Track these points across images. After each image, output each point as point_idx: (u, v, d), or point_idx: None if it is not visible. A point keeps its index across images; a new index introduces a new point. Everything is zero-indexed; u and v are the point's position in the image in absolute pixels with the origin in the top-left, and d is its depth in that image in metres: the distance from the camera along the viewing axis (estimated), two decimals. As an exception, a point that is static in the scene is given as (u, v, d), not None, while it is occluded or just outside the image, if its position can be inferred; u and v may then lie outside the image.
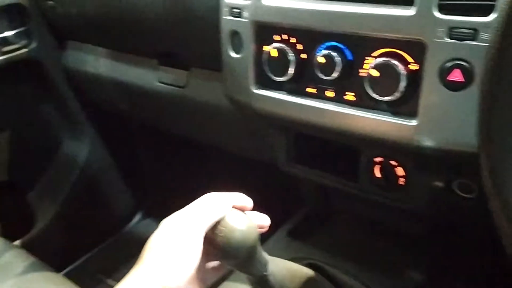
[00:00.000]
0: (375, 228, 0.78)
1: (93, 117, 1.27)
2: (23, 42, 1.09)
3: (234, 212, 0.46)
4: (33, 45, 1.10)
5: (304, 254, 0.76)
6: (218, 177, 1.46)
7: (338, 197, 0.88)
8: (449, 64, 0.49)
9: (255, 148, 0.85)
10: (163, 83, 0.92)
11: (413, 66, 0.53)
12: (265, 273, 0.50)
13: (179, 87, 0.87)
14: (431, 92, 0.52)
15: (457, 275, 0.74)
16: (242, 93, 0.69)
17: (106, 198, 1.42)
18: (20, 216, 1.26)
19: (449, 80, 0.50)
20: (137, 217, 1.51)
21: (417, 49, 0.52)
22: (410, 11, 0.51)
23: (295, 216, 0.86)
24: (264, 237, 0.85)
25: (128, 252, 1.46)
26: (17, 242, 1.20)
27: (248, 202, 0.49)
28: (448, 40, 0.49)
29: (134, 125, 1.35)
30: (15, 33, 1.07)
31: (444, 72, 0.50)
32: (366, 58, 0.57)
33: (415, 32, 0.51)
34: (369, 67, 0.55)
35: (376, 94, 0.55)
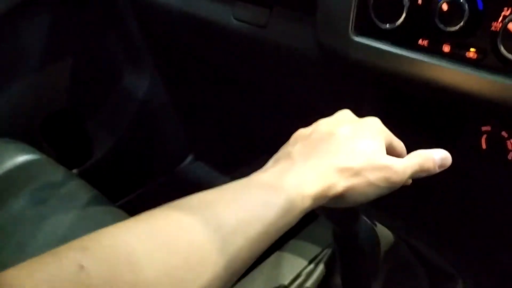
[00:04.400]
0: (461, 205, 0.71)
1: (156, 51, 1.22)
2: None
3: None
4: (102, -31, 1.04)
5: (385, 223, 0.70)
6: (274, 124, 1.41)
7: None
8: None
9: (334, 103, 0.78)
10: (239, 20, 0.85)
11: None
12: (357, 230, 0.48)
13: (259, 26, 0.80)
14: None
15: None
16: (339, 40, 0.61)
17: (161, 135, 1.40)
18: (78, 145, 1.26)
19: None
20: (189, 159, 1.49)
21: None
22: None
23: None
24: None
25: (178, 193, 1.47)
26: (74, 171, 1.20)
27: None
28: None
29: (196, 66, 1.30)
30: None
31: None
32: (501, 8, 0.48)
33: None
34: (506, 20, 0.46)
35: (511, 53, 0.47)
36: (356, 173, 0.39)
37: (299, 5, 0.72)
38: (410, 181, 0.44)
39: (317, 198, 0.38)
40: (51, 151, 1.19)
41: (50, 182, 0.86)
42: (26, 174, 0.88)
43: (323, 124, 0.44)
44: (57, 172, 0.89)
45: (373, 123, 0.44)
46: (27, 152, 0.93)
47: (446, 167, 0.45)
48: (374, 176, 0.39)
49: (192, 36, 1.00)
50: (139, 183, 1.34)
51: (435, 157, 0.44)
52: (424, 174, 0.44)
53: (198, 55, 1.14)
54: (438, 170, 0.44)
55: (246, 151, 1.47)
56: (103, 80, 1.24)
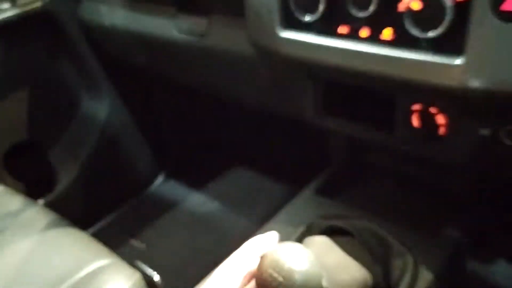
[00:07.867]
0: (409, 184, 0.73)
1: (111, 73, 1.23)
2: (38, -6, 1.05)
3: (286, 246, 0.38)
4: (48, -4, 1.05)
5: (333, 212, 0.72)
6: (240, 134, 1.42)
7: (369, 151, 0.83)
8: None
9: (279, 101, 0.80)
10: (181, 32, 0.87)
11: (461, -4, 0.46)
12: None
13: (198, 35, 0.82)
14: (481, 25, 0.45)
15: (497, 234, 0.69)
16: (267, 37, 0.63)
17: (128, 158, 1.39)
18: (42, 176, 1.25)
19: (502, 11, 0.44)
20: (160, 179, 1.49)
21: (467, -25, 0.45)
22: None
23: (322, 174, 0.82)
24: (290, 196, 0.81)
25: (152, 214, 1.46)
26: (41, 201, 1.19)
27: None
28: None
29: (153, 82, 1.31)
30: (28, -15, 1.03)
31: (497, 1, 0.44)
32: (405, -11, 0.50)
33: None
34: (409, -1, 0.49)
35: (418, 30, 0.49)
36: None
37: (232, 9, 0.74)
38: None
39: None
40: (16, 183, 1.18)
41: (9, 211, 0.86)
42: (-16, 206, 0.87)
43: None
44: (16, 201, 0.89)
45: None
46: (-15, 184, 0.92)
47: None
48: None
49: (140, 52, 1.02)
50: (107, 209, 1.33)
51: None
52: None
53: (149, 70, 1.15)
54: None
55: (217, 163, 1.48)
56: (62, 108, 1.24)
